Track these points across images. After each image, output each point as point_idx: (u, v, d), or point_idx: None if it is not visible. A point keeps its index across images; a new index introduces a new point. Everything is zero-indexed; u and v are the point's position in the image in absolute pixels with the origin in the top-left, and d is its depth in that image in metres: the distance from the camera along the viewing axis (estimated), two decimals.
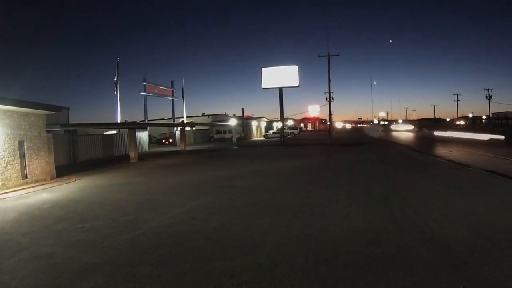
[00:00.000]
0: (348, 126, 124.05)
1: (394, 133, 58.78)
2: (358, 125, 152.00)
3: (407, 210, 7.53)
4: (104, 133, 29.83)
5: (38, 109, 14.34)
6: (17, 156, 13.07)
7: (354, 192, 9.88)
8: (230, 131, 52.13)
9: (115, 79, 31.80)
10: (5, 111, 12.69)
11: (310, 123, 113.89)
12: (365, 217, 7.18)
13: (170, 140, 43.93)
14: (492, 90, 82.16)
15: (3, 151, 12.48)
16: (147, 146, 35.09)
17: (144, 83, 35.81)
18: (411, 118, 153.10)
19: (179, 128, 35.52)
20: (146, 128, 34.57)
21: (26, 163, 13.53)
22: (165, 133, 47.63)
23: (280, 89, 36.63)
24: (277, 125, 65.34)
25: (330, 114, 44.52)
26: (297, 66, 36.72)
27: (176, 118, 43.46)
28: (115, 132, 30.51)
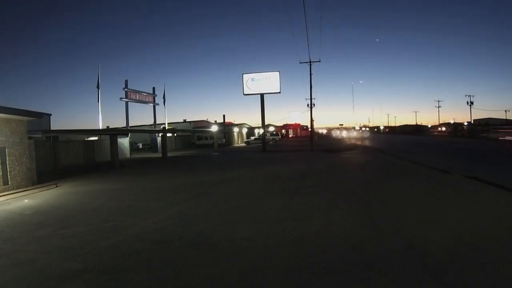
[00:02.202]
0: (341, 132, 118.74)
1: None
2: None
3: (388, 216, 7.60)
4: (86, 139, 29.62)
5: (20, 115, 14.28)
6: None
7: (335, 198, 9.93)
8: (212, 138, 52.19)
9: (97, 85, 31.62)
10: None
11: (292, 130, 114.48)
12: (347, 223, 7.20)
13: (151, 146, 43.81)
14: (473, 96, 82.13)
15: None
16: (129, 152, 34.92)
17: (126, 89, 35.62)
18: (393, 124, 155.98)
19: (160, 135, 35.50)
20: (128, 135, 34.40)
21: (8, 170, 13.48)
22: (146, 140, 47.41)
23: (262, 96, 36.91)
24: (259, 132, 65.83)
25: (312, 120, 44.99)
26: (278, 72, 37.04)
27: (158, 124, 43.32)
28: (96, 138, 30.34)
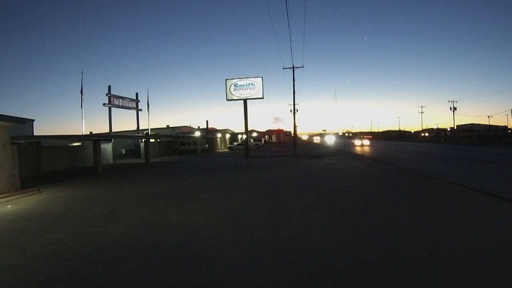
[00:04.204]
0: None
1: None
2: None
3: (371, 223, 7.62)
4: (69, 145, 29.47)
5: (2, 121, 14.24)
6: None
7: (318, 205, 9.94)
8: (195, 143, 52.28)
9: (81, 91, 31.47)
10: None
11: (275, 135, 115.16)
12: (329, 229, 7.21)
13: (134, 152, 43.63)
14: (456, 102, 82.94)
15: None
16: (112, 158, 34.77)
17: (109, 95, 35.41)
18: (376, 129, 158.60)
19: (143, 140, 35.44)
20: (111, 140, 34.22)
21: None
22: (129, 145, 47.19)
23: (245, 101, 37.14)
24: (242, 137, 66.11)
25: (295, 126, 45.48)
26: (261, 78, 37.22)
27: (141, 130, 43.16)
28: (79, 144, 30.19)
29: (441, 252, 5.62)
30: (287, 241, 6.51)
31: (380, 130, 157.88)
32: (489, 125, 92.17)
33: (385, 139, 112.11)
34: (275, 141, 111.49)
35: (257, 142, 69.03)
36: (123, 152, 45.40)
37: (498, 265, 5.04)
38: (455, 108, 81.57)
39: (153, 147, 43.17)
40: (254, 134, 79.93)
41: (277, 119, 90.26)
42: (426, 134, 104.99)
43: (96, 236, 7.41)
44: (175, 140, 54.58)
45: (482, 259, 5.27)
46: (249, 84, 37.29)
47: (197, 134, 52.21)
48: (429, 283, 4.51)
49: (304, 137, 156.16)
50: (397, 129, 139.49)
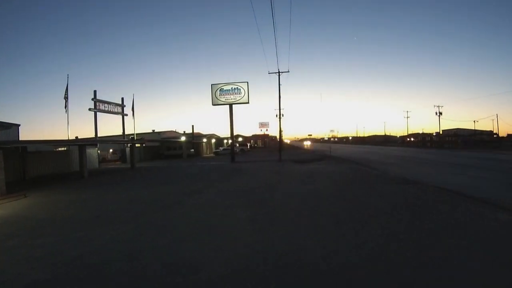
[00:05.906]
0: None
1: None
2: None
3: (356, 227, 7.69)
4: (55, 150, 29.34)
5: None
6: None
7: (305, 209, 10.01)
8: (181, 148, 52.24)
9: (65, 96, 31.28)
10: None
11: (260, 140, 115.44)
12: (315, 234, 7.26)
13: (119, 159, 43.47)
14: (442, 107, 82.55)
15: None
16: (97, 163, 34.63)
17: (94, 100, 35.31)
18: (361, 134, 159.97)
19: (129, 145, 35.42)
20: (96, 145, 34.10)
21: None
22: (115, 150, 47.02)
23: (230, 106, 37.33)
24: (228, 142, 66.33)
25: (280, 131, 45.66)
26: (247, 83, 37.43)
27: (127, 135, 43.03)
28: (65, 149, 30.06)
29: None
30: (272, 247, 6.50)
31: (366, 134, 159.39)
32: (475, 130, 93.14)
33: (373, 144, 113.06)
34: (261, 145, 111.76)
35: (242, 147, 69.27)
36: (109, 156, 45.29)
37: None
38: (440, 113, 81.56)
39: (138, 152, 43.11)
40: (240, 139, 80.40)
41: (262, 124, 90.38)
42: (412, 139, 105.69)
43: (82, 241, 7.45)
44: (161, 145, 54.45)
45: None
46: (234, 89, 37.50)
47: (183, 139, 52.21)
48: None
49: (290, 142, 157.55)
50: (383, 133, 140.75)
